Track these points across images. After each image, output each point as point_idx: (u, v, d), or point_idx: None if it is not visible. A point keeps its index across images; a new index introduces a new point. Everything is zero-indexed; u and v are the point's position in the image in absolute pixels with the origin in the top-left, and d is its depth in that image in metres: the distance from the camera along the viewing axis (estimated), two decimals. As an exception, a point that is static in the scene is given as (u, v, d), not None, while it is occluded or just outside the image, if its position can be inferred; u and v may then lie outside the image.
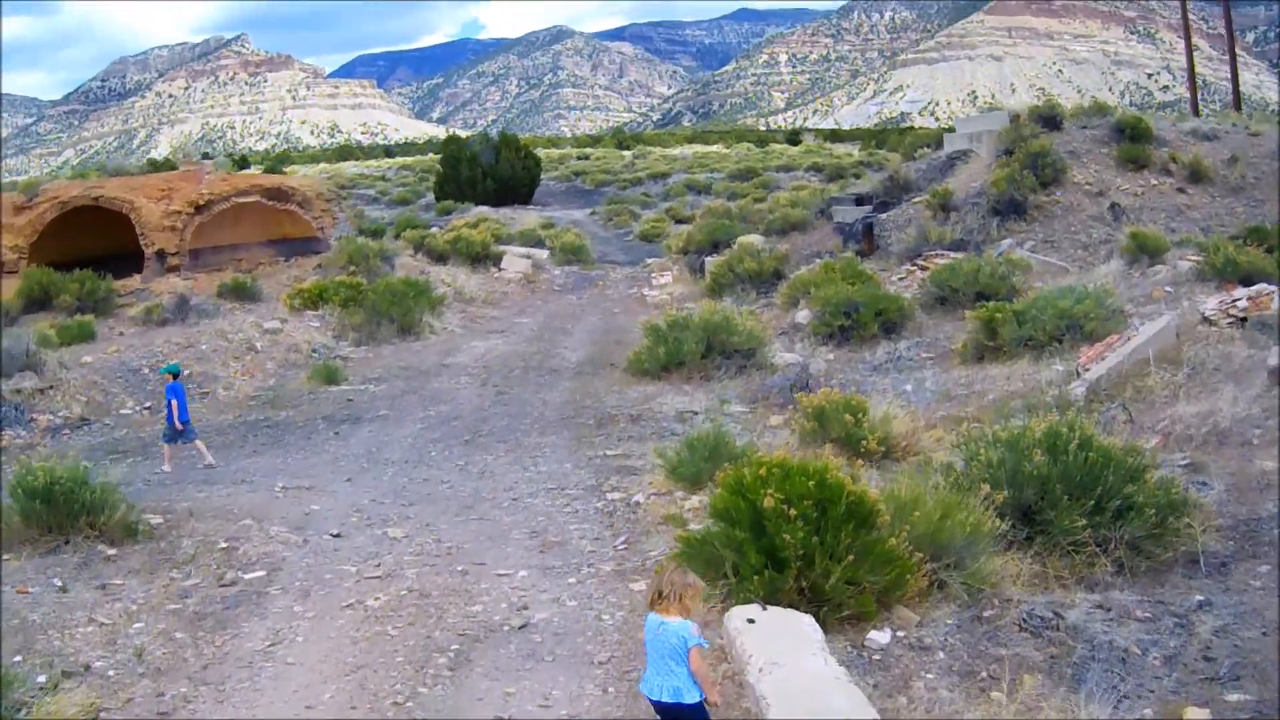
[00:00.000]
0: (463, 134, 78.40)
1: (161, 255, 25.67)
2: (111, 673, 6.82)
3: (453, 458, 11.66)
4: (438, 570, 8.16)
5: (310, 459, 12.30)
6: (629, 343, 17.80)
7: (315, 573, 8.37)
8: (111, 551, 9.00)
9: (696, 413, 12.01)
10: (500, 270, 30.66)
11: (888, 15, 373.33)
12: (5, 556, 8.95)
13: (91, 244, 26.52)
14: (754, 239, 27.34)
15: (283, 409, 15.59)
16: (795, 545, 6.18)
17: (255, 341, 19.80)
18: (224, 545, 9.07)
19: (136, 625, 7.55)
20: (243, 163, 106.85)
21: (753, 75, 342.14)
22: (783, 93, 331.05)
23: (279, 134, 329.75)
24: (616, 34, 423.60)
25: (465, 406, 14.63)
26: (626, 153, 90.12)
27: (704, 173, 65.59)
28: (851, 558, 6.20)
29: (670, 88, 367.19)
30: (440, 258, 30.38)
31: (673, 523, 8.39)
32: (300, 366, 18.64)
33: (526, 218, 45.27)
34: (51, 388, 16.38)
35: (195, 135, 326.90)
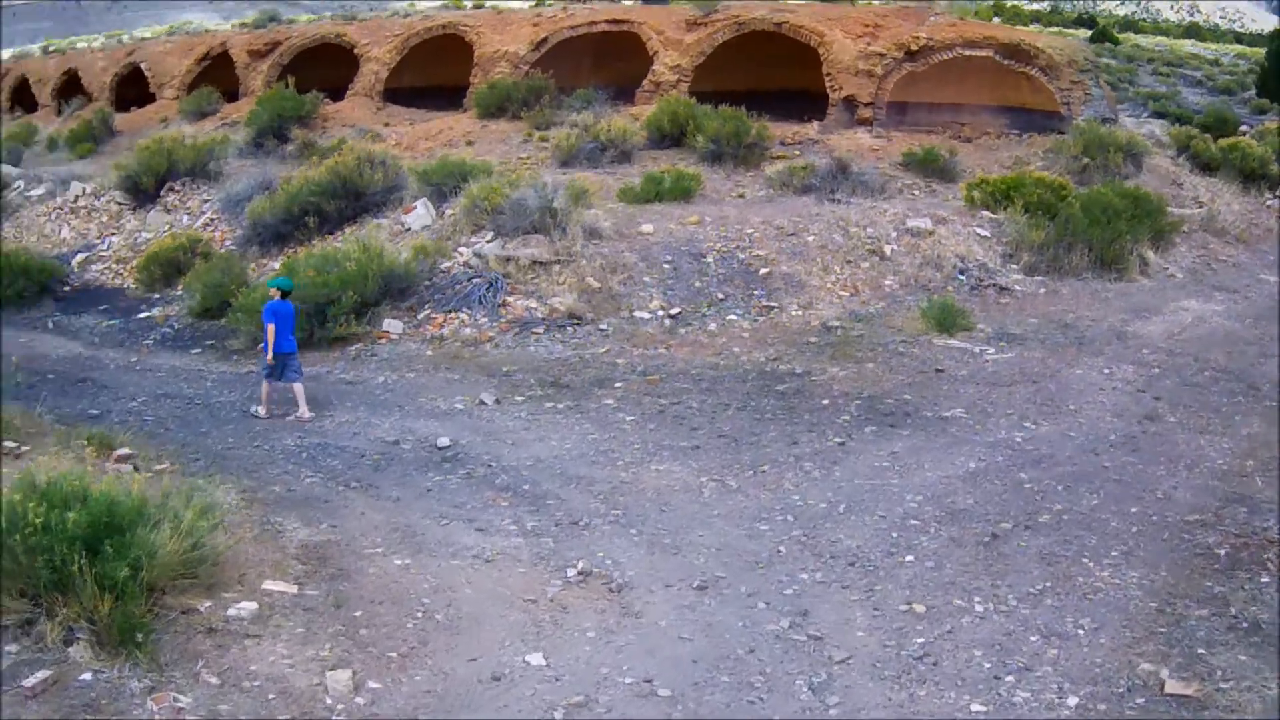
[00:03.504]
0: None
1: (850, 103, 21.57)
2: None
3: (935, 585, 6.68)
4: None
5: (730, 501, 7.79)
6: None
7: None
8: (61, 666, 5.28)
9: None
10: (1275, 197, 23.48)
11: None
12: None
13: (775, 80, 23.62)
14: None
15: (838, 362, 11.18)
16: None
17: (886, 244, 15.06)
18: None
19: None
20: (1090, 21, 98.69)
21: None
22: None
23: (1139, 1, 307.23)
24: None
25: (1071, 440, 9.26)
26: None
27: None
28: None
29: None
30: (1207, 167, 23.51)
31: None
32: (930, 290, 13.83)
33: (1366, 133, 34.69)
34: (559, 263, 12.29)
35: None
